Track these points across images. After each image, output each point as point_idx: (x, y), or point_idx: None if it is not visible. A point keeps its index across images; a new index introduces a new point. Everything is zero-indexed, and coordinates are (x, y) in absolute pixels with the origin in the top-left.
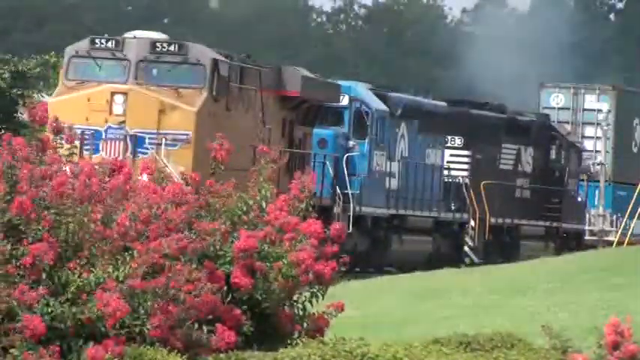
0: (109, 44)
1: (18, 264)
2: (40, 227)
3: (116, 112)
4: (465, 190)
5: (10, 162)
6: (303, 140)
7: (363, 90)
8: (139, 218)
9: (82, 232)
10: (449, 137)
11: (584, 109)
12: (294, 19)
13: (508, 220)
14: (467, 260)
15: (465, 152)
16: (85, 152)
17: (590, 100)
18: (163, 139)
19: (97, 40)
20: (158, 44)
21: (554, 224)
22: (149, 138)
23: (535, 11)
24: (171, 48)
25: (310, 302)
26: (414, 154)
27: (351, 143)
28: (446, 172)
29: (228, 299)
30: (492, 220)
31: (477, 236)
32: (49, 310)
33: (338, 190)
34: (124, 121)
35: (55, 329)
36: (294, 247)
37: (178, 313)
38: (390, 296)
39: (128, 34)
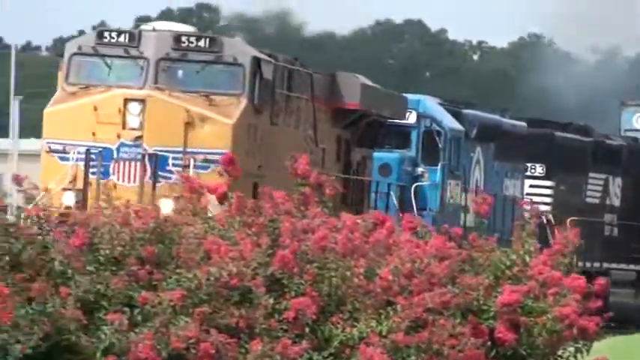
0: (121, 38)
1: (281, 318)
2: (303, 281)
3: (131, 124)
4: (548, 229)
5: (272, 216)
6: (362, 165)
7: (433, 105)
8: (402, 272)
9: (345, 286)
10: (529, 164)
11: None
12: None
13: (597, 265)
14: None
15: (547, 183)
16: (91, 175)
17: None
18: (192, 160)
19: (105, 34)
20: (184, 38)
21: None
22: (173, 158)
23: None
24: (201, 43)
25: (575, 357)
26: (490, 184)
27: (419, 170)
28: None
29: (492, 354)
30: (580, 264)
31: None
32: None
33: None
34: (140, 137)
35: None
36: (558, 302)
37: None
38: None
39: (145, 26)
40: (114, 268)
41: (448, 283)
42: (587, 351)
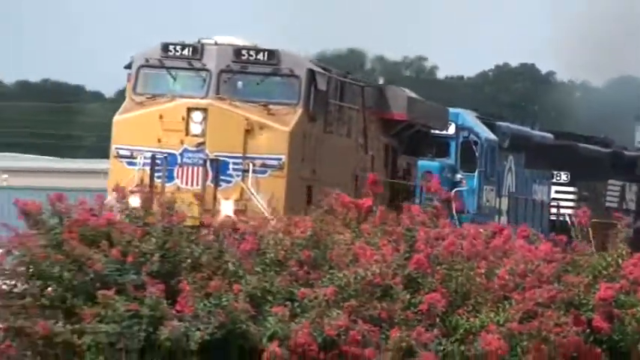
0: (185, 52)
1: (416, 310)
2: (434, 280)
3: (194, 131)
4: (572, 230)
5: (409, 225)
6: (407, 171)
7: (471, 118)
8: (517, 272)
9: (469, 284)
10: (554, 172)
11: None
12: None
13: None
14: None
15: (571, 189)
16: (156, 179)
17: None
18: (251, 165)
19: (170, 47)
20: (244, 52)
21: None
22: (233, 163)
23: None
24: (260, 56)
25: None
26: (521, 189)
27: (458, 177)
28: (553, 210)
29: (590, 340)
30: None
31: None
32: (442, 348)
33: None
34: (203, 143)
35: None
36: None
37: (549, 351)
38: None
39: (207, 40)
40: (278, 269)
41: (554, 281)
42: None
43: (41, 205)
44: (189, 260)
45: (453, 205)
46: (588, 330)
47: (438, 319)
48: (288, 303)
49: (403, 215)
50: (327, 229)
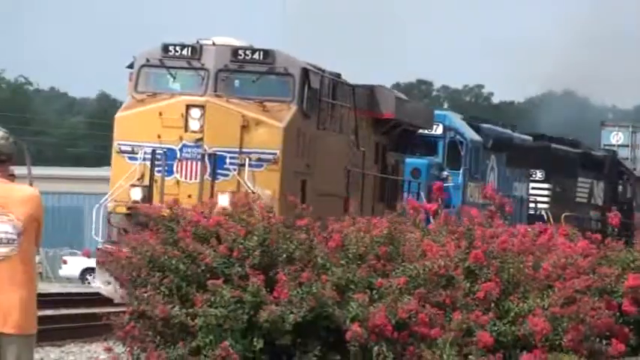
0: (185, 52)
1: (474, 297)
2: (490, 271)
3: (192, 127)
4: (547, 223)
5: (468, 225)
6: (396, 167)
7: (457, 119)
8: (558, 265)
9: (519, 275)
10: (531, 170)
11: None
12: None
13: None
14: None
15: (546, 185)
16: (156, 173)
17: None
18: (247, 159)
19: (170, 47)
20: (240, 52)
21: None
22: (230, 157)
23: None
24: (256, 56)
25: None
26: (503, 186)
27: (444, 174)
28: (532, 205)
29: (620, 321)
30: None
31: None
32: (496, 328)
33: (432, 221)
34: (201, 139)
35: (500, 342)
36: None
37: (585, 331)
38: None
39: (205, 40)
40: (359, 262)
41: (590, 272)
42: None
43: (160, 208)
44: (284, 255)
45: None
46: (618, 313)
47: (492, 304)
48: (367, 290)
49: (464, 217)
50: (400, 229)
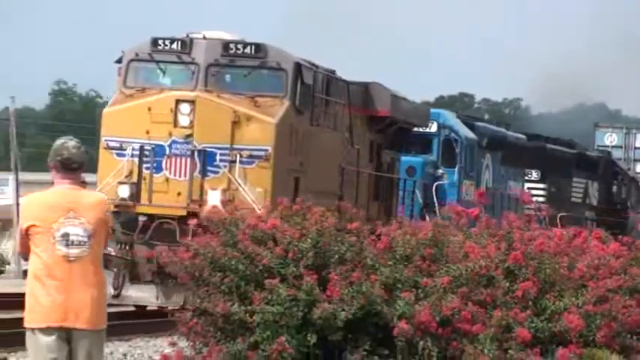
0: (174, 46)
1: (513, 295)
2: (528, 271)
3: (182, 123)
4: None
5: (508, 229)
6: (391, 165)
7: (452, 117)
8: (592, 266)
9: (555, 275)
10: (527, 170)
11: (636, 148)
12: None
13: None
14: None
15: (542, 185)
16: (145, 170)
17: None
18: (238, 156)
19: (159, 41)
20: (231, 45)
21: None
22: (221, 154)
23: None
24: (247, 50)
25: None
26: (497, 184)
27: (439, 171)
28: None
29: None
30: None
31: None
32: (533, 325)
33: (427, 219)
34: (191, 135)
35: (537, 338)
36: None
37: (617, 327)
38: None
39: (196, 34)
40: (406, 263)
41: (621, 272)
42: None
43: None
44: (336, 256)
45: (435, 199)
46: None
47: (530, 303)
48: (413, 289)
49: (503, 221)
50: (444, 232)
